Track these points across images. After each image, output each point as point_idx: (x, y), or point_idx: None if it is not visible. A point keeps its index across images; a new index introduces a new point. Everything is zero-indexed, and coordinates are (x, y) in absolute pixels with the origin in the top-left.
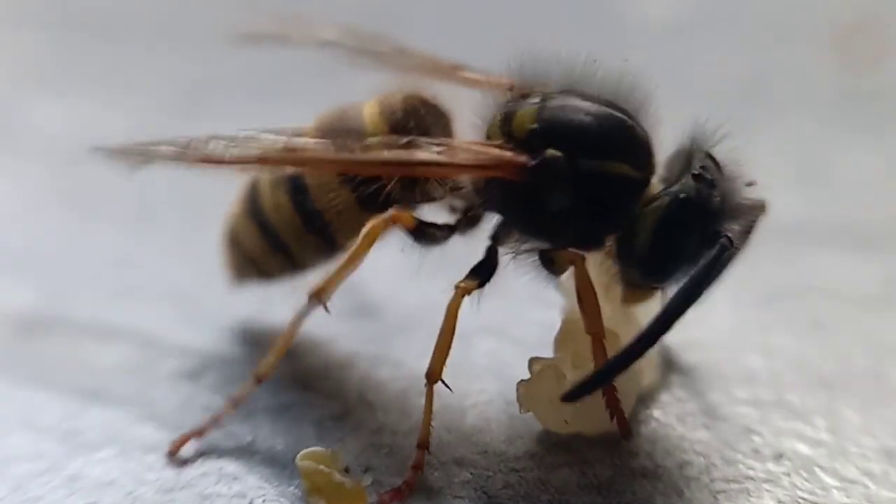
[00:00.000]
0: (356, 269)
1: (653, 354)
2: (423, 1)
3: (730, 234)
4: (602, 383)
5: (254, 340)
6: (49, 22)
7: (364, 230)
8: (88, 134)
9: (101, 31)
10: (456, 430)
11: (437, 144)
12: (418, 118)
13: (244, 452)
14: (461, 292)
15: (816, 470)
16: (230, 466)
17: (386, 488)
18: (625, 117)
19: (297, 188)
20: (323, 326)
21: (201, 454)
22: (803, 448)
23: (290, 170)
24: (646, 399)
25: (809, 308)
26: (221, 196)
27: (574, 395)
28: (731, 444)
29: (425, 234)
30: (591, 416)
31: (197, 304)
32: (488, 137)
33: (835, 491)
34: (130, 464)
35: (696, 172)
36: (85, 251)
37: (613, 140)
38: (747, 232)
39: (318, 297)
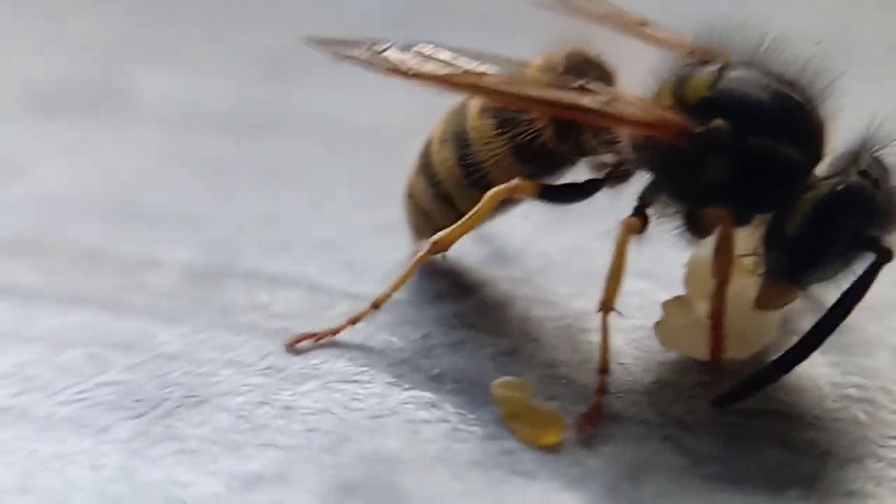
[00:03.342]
0: (475, 228)
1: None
2: None
3: (884, 247)
4: (751, 393)
5: (413, 284)
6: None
7: (487, 195)
8: (196, 101)
9: (181, 7)
10: (625, 363)
11: (605, 94)
12: (580, 76)
13: (434, 383)
14: (626, 228)
15: None
16: (426, 395)
17: (572, 414)
18: (802, 100)
19: (460, 142)
20: (467, 274)
21: (394, 384)
22: None
23: (466, 94)
24: None
25: None
26: (340, 157)
27: (724, 401)
28: None
29: (556, 197)
30: (732, 340)
31: (350, 254)
32: (658, 97)
33: None
34: (335, 395)
35: (863, 169)
36: (226, 210)
37: (785, 121)
38: None
39: (438, 245)
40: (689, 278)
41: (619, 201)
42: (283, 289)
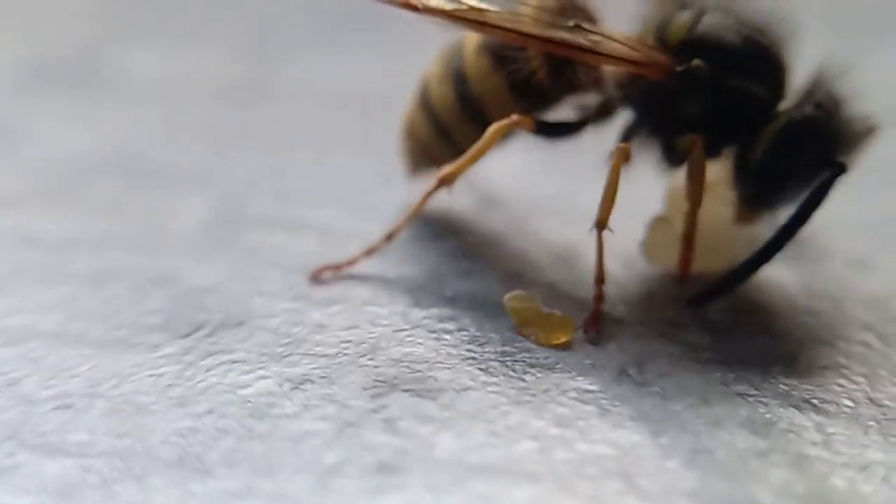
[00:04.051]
0: (479, 162)
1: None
2: None
3: (838, 161)
4: (721, 294)
5: (416, 227)
6: None
7: (489, 130)
8: (188, 74)
9: None
10: (618, 279)
11: (597, 34)
12: (570, 18)
13: (450, 303)
14: (619, 153)
15: None
16: (445, 312)
17: (578, 322)
18: (769, 44)
19: (458, 79)
20: (462, 217)
21: (414, 305)
22: None
23: (469, 29)
24: None
25: None
26: (335, 119)
27: (698, 301)
28: None
29: (549, 132)
30: (709, 257)
31: (356, 200)
32: (642, 39)
33: None
34: (361, 315)
35: (817, 101)
36: (233, 168)
37: (755, 63)
38: (853, 156)
39: (445, 179)
40: (670, 201)
41: (597, 151)
42: (298, 232)
